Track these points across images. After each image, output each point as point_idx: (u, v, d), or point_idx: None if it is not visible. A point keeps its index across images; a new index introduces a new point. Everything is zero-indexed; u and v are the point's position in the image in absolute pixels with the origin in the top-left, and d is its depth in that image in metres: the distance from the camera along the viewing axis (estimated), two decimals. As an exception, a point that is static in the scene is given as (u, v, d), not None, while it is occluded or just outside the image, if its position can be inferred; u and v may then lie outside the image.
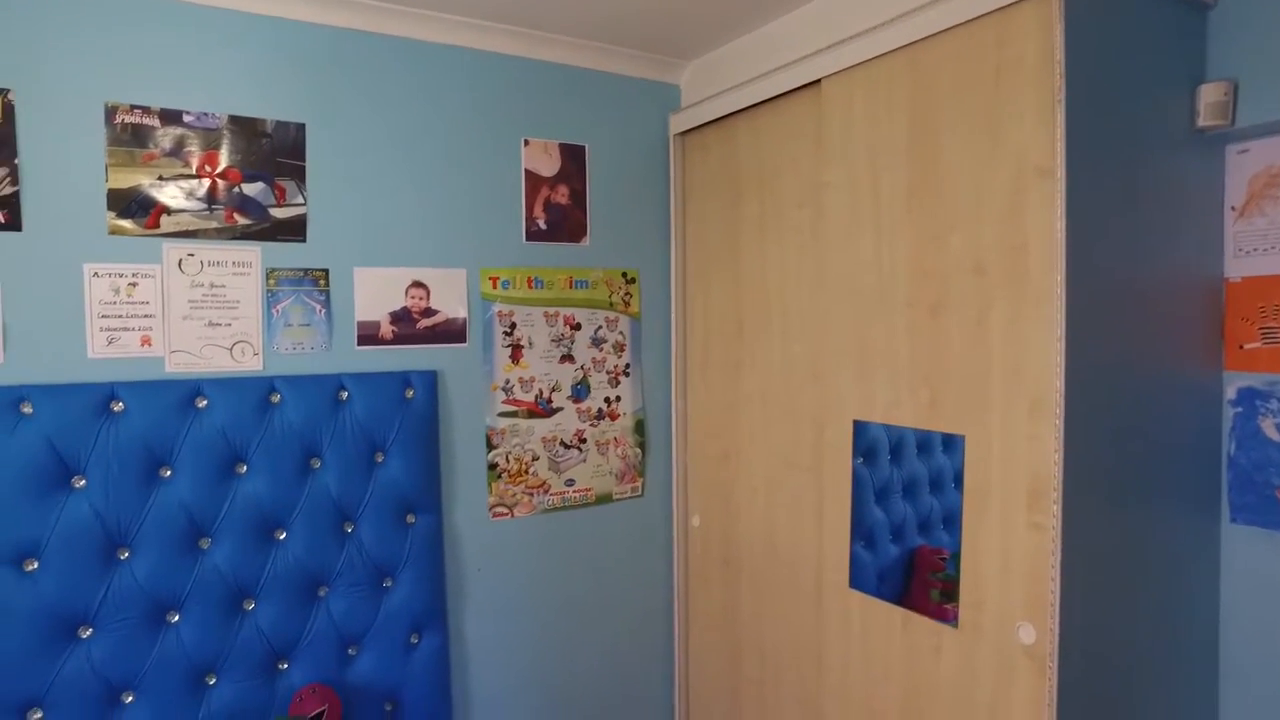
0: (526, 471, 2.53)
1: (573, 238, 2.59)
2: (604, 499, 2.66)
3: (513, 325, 2.49)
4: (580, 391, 2.61)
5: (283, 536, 2.15)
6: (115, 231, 1.98)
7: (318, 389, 2.18)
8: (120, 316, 1.99)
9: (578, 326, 2.60)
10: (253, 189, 2.13)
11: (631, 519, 2.72)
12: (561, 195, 2.56)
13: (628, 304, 2.69)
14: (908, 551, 1.96)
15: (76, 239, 1.95)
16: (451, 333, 2.40)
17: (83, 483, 1.93)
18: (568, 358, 2.58)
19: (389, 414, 2.26)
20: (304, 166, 2.18)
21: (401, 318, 2.32)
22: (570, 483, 2.60)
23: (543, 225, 2.53)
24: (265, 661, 2.13)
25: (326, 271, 2.22)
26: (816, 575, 2.26)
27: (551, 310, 2.55)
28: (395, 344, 2.32)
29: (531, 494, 2.54)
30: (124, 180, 1.99)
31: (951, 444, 1.85)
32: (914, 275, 1.93)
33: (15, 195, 1.89)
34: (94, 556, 1.94)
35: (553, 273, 2.55)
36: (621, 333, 2.68)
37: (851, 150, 2.08)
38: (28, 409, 1.88)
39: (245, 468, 2.10)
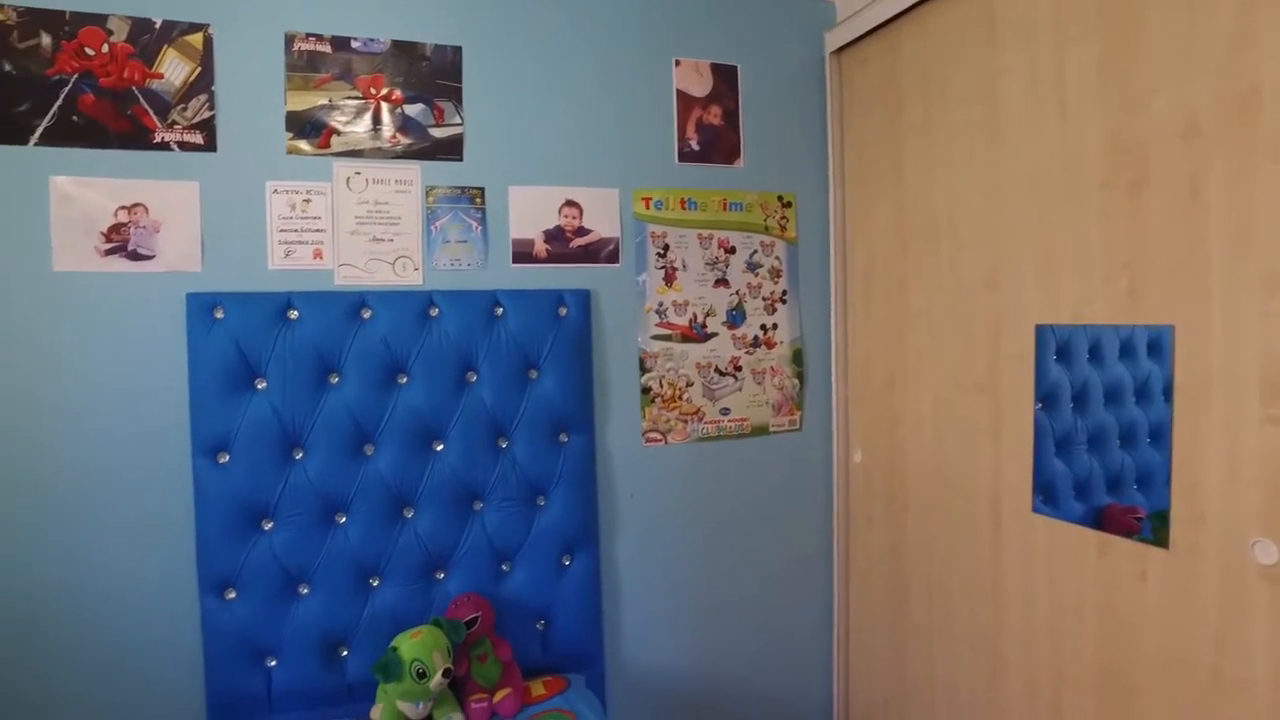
0: (680, 398, 2.47)
1: (726, 159, 2.50)
2: (760, 430, 2.56)
3: (666, 247, 2.44)
4: (735, 318, 2.52)
5: (440, 448, 2.21)
6: (292, 151, 2.11)
7: (474, 304, 2.23)
8: (296, 231, 2.12)
9: (732, 250, 2.51)
10: (413, 110, 2.20)
11: (788, 453, 2.60)
12: (714, 116, 2.49)
13: (784, 229, 2.57)
14: (1106, 466, 1.73)
15: (260, 158, 2.09)
16: (604, 253, 2.38)
17: (263, 384, 2.06)
18: (722, 282, 2.50)
19: (542, 331, 2.28)
20: (460, 88, 2.23)
21: (555, 236, 2.33)
22: (725, 411, 2.52)
23: (695, 146, 2.47)
24: (424, 569, 2.19)
25: (482, 190, 2.26)
26: (993, 502, 2.05)
27: (705, 233, 2.48)
28: (549, 262, 2.33)
29: (685, 421, 2.48)
30: (300, 103, 2.11)
31: (1158, 337, 1.61)
32: (1107, 153, 1.70)
33: (212, 119, 2.05)
34: (273, 454, 2.07)
35: (706, 195, 2.48)
36: (778, 258, 2.57)
37: (1032, 28, 1.87)
38: (220, 314, 2.03)
39: (405, 378, 2.18)
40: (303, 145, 2.12)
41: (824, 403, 2.64)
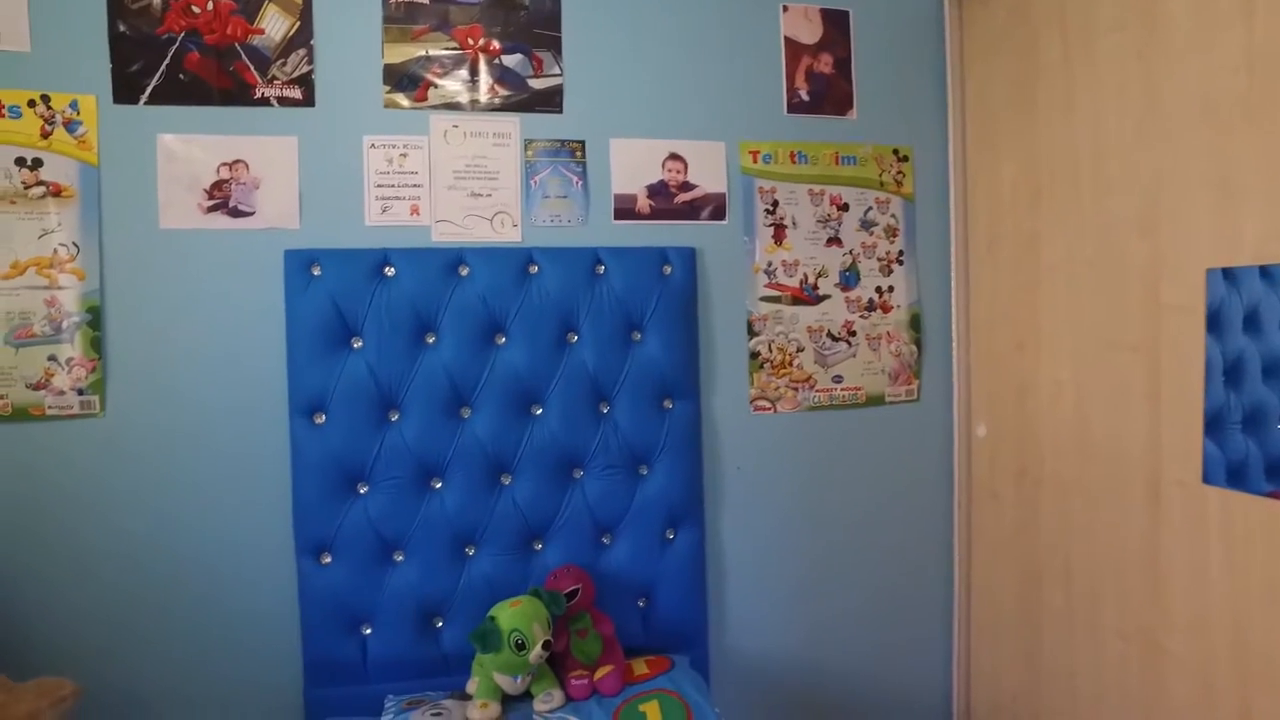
0: (790, 363, 2.31)
1: (838, 110, 2.34)
2: (875, 400, 2.38)
3: (775, 203, 2.29)
4: (849, 279, 2.35)
5: (539, 412, 2.11)
6: (389, 105, 2.06)
7: (574, 262, 2.12)
8: (393, 186, 2.06)
9: (845, 207, 2.34)
10: (511, 61, 2.12)
11: (906, 425, 2.41)
12: (825, 65, 2.33)
13: (900, 184, 2.39)
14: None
15: (357, 113, 2.04)
16: (710, 209, 2.25)
17: (360, 343, 2.01)
18: (835, 241, 2.34)
19: (646, 291, 2.16)
20: (559, 37, 2.14)
21: (658, 191, 2.21)
22: (838, 379, 2.35)
23: (805, 96, 2.31)
24: (521, 539, 2.10)
25: (583, 143, 2.16)
26: (1150, 474, 1.82)
27: (816, 188, 2.32)
28: (652, 219, 2.21)
29: (796, 388, 2.32)
30: (397, 56, 2.05)
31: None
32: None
33: (310, 74, 2.01)
34: (369, 415, 2.01)
35: (817, 148, 2.32)
36: (894, 216, 2.38)
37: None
38: (317, 271, 1.99)
39: (504, 338, 2.09)
40: (400, 99, 2.06)
41: (943, 371, 2.44)
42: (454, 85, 2.09)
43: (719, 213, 2.25)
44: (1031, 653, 2.20)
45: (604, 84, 2.17)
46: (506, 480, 2.10)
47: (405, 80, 2.06)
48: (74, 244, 1.90)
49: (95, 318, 1.91)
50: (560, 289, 2.10)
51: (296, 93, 2.00)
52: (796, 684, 2.34)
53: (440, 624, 2.05)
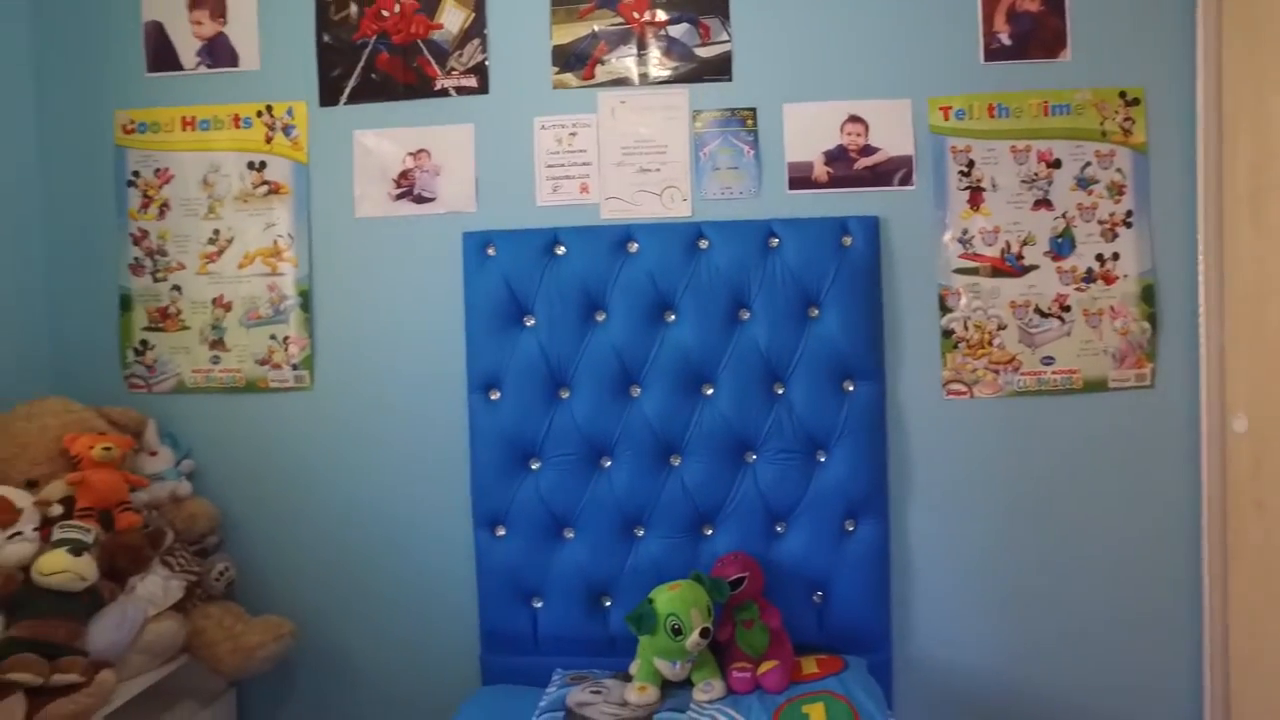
0: (990, 343, 2.06)
1: (1047, 53, 2.05)
2: (1095, 385, 2.05)
3: (970, 163, 2.05)
4: (1062, 246, 2.05)
5: (710, 392, 2.04)
6: (558, 85, 2.09)
7: (746, 235, 2.03)
8: (562, 165, 2.09)
9: (1056, 164, 2.05)
10: (678, 30, 2.07)
11: (1135, 415, 2.05)
12: (1030, 1, 2.05)
13: (1128, 132, 2.05)
14: None
15: (528, 95, 2.09)
16: (895, 173, 2.06)
17: (532, 321, 2.05)
18: (1044, 203, 2.05)
19: (823, 264, 2.01)
20: (727, 2, 2.06)
21: (837, 157, 2.06)
22: (1048, 361, 2.06)
23: (1006, 40, 2.05)
24: (690, 522, 2.04)
25: (754, 110, 2.06)
26: None
27: (1021, 144, 2.05)
28: (830, 187, 2.06)
29: (997, 371, 2.06)
30: (565, 36, 2.08)
31: None
32: None
33: (484, 62, 2.09)
34: (541, 393, 2.04)
35: (1021, 98, 2.05)
36: (1120, 170, 2.05)
37: None
38: (492, 251, 2.06)
39: (673, 315, 2.04)
40: (568, 78, 2.08)
41: (1187, 352, 2.05)
42: (621, 60, 2.08)
43: (905, 177, 2.05)
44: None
45: (775, 46, 2.06)
46: (675, 461, 2.05)
47: (573, 59, 2.08)
48: (289, 235, 2.11)
49: (306, 300, 2.11)
50: (731, 264, 2.02)
51: (472, 81, 2.08)
52: (992, 702, 2.07)
53: (608, 603, 2.04)
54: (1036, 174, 2.05)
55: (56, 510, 1.75)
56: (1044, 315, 2.06)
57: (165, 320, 2.12)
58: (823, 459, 2.03)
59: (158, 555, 1.87)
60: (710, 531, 2.05)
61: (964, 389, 2.07)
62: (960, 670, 2.09)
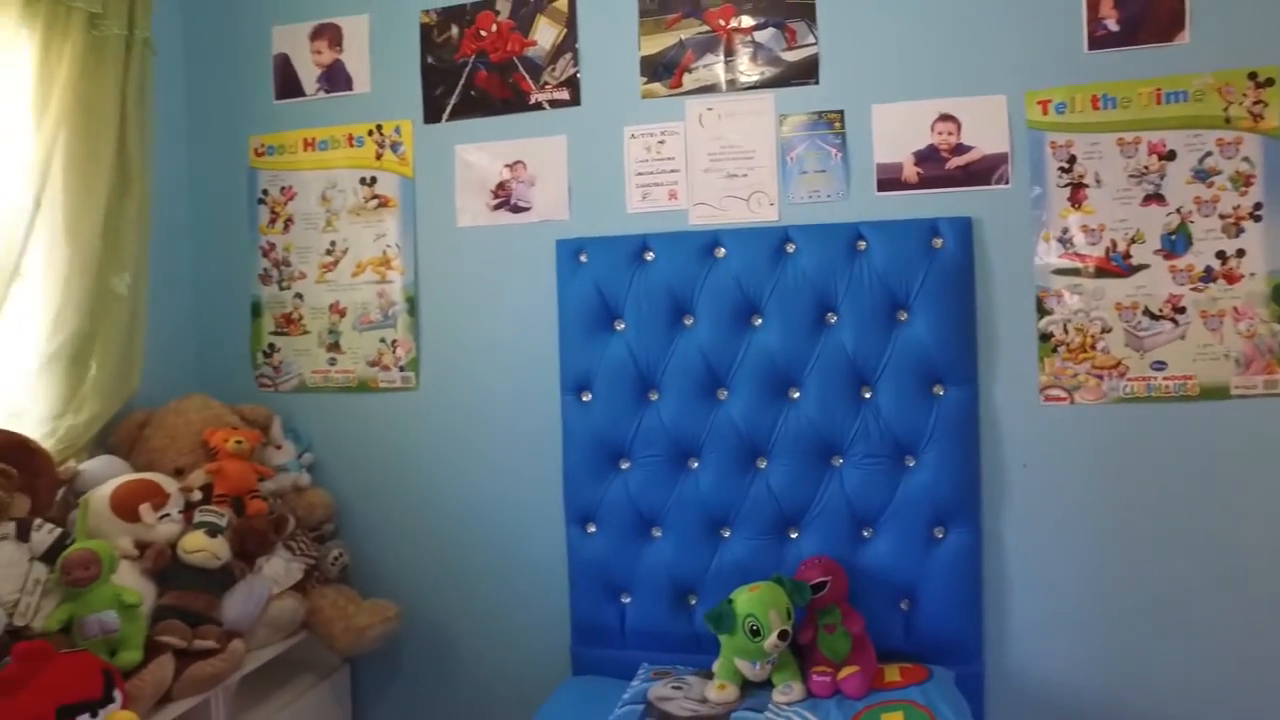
0: (1093, 346, 1.96)
1: (1161, 36, 1.92)
2: (1215, 393, 1.91)
3: (1071, 159, 1.96)
4: (1176, 243, 1.93)
5: (795, 395, 2.05)
6: (647, 95, 2.14)
7: (833, 238, 2.02)
8: (651, 173, 2.14)
9: (1170, 155, 1.92)
10: (763, 36, 2.08)
11: (1261, 426, 1.89)
12: (1143, -17, 1.94)
13: (1259, 117, 1.89)
14: None
15: (618, 105, 2.16)
16: (989, 172, 1.99)
17: (622, 325, 2.11)
18: (1155, 198, 1.93)
19: (912, 266, 1.98)
20: (813, 4, 2.04)
21: (927, 158, 2.02)
22: (1159, 366, 1.94)
23: (1113, 26, 1.94)
24: (776, 525, 2.05)
25: (841, 113, 2.05)
26: None
27: (1129, 136, 1.94)
28: (920, 188, 2.02)
29: (1100, 376, 1.96)
30: (653, 46, 2.13)
31: None
32: None
33: (576, 75, 2.17)
34: (630, 394, 2.11)
35: (1130, 87, 1.93)
36: (1247, 159, 1.90)
37: None
38: (584, 258, 2.13)
39: (759, 319, 2.06)
40: (657, 87, 2.13)
41: (1325, 357, 1.89)
42: (708, 68, 2.10)
43: (1000, 176, 1.98)
44: None
45: (862, 47, 2.03)
46: (761, 464, 2.07)
47: (661, 69, 2.12)
48: (397, 245, 2.26)
49: (412, 306, 2.26)
50: (817, 267, 2.02)
51: (565, 94, 2.17)
52: (1094, 725, 1.98)
53: (694, 601, 2.08)
54: (1146, 167, 1.94)
55: (197, 495, 1.96)
56: (1154, 317, 1.94)
57: (289, 325, 2.32)
58: (911, 464, 2.00)
59: (281, 540, 2.06)
60: (795, 534, 2.05)
61: (1064, 395, 1.98)
62: (1061, 691, 2.00)
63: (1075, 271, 1.97)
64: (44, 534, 1.68)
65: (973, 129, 2.00)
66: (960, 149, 2.00)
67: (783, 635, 1.78)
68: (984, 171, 1.99)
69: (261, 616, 1.91)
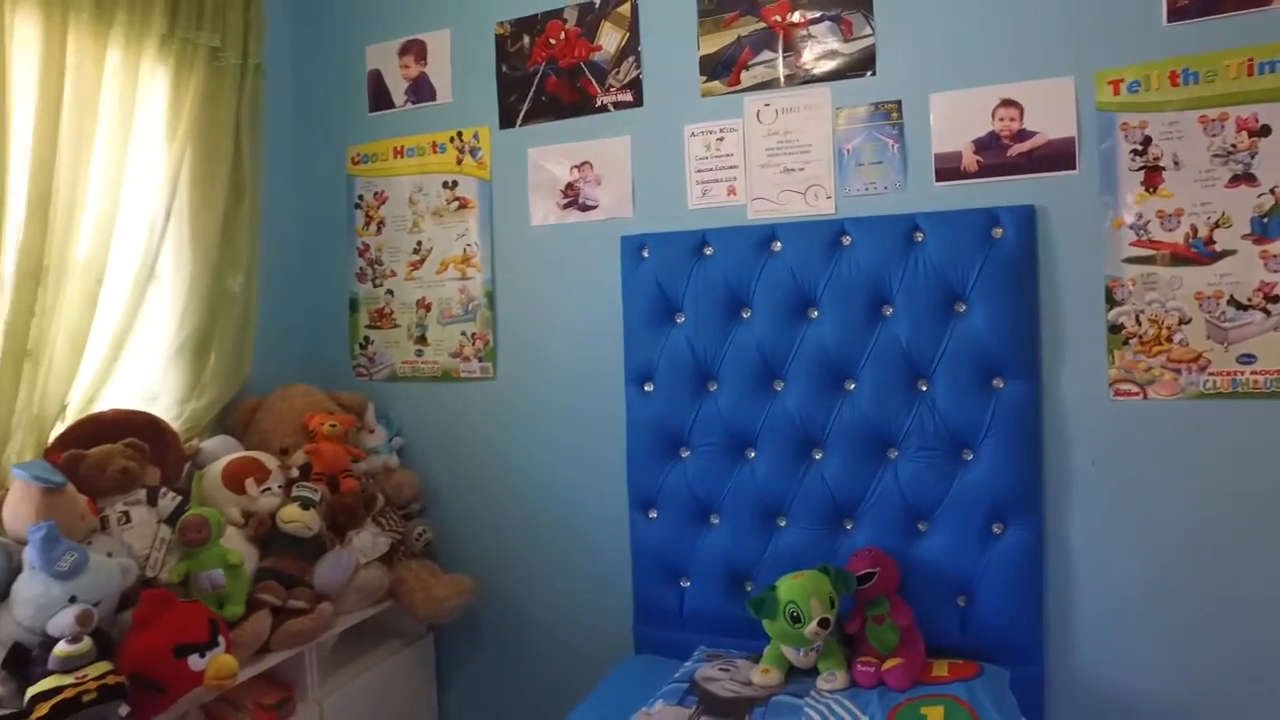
0: (1169, 339, 1.86)
1: (1252, 1, 1.79)
2: (1310, 388, 1.78)
3: (1145, 141, 1.86)
4: (1269, 227, 1.78)
5: (851, 387, 2.05)
6: (706, 94, 2.19)
7: (888, 230, 2.01)
8: (710, 170, 2.19)
9: (1263, 131, 1.78)
10: (819, 29, 2.08)
11: (1368, 425, 1.75)
12: (1233, -53, 1.80)
13: (1363, 88, 1.74)
14: None
15: (678, 105, 2.22)
16: (1054, 158, 1.92)
17: (681, 318, 2.18)
18: (1244, 178, 1.80)
19: (969, 257, 1.94)
20: (871, -4, 2.04)
21: (988, 145, 1.96)
22: (1247, 359, 1.81)
23: (1196, -4, 1.83)
24: (830, 516, 2.07)
25: (899, 103, 2.02)
26: None
27: (1213, 113, 1.81)
28: (980, 177, 1.97)
29: (1177, 370, 1.85)
30: (711, 45, 2.18)
31: None
32: None
33: (638, 77, 2.25)
34: (689, 386, 2.17)
35: (1216, 59, 1.81)
36: (1350, 134, 1.75)
37: None
38: (646, 253, 2.22)
39: (815, 312, 2.07)
40: (715, 85, 2.17)
41: None
42: (765, 64, 2.13)
43: (1066, 161, 1.91)
44: None
45: (920, 36, 2.00)
46: (817, 455, 2.09)
47: (719, 67, 2.17)
48: (476, 243, 2.42)
49: (490, 301, 2.41)
50: (871, 260, 2.01)
51: (628, 96, 2.25)
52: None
53: (750, 588, 2.13)
54: (1235, 145, 1.81)
55: (295, 473, 2.19)
56: (1242, 307, 1.81)
57: (382, 320, 2.54)
58: (968, 458, 1.96)
59: (370, 516, 2.26)
60: (850, 526, 2.06)
61: (1136, 389, 1.88)
62: (1131, 698, 1.91)
63: (1150, 260, 1.87)
64: (168, 500, 1.94)
65: (1036, 114, 1.93)
66: (1023, 135, 1.94)
67: (823, 623, 1.80)
68: (1048, 158, 1.92)
69: (349, 583, 2.12)
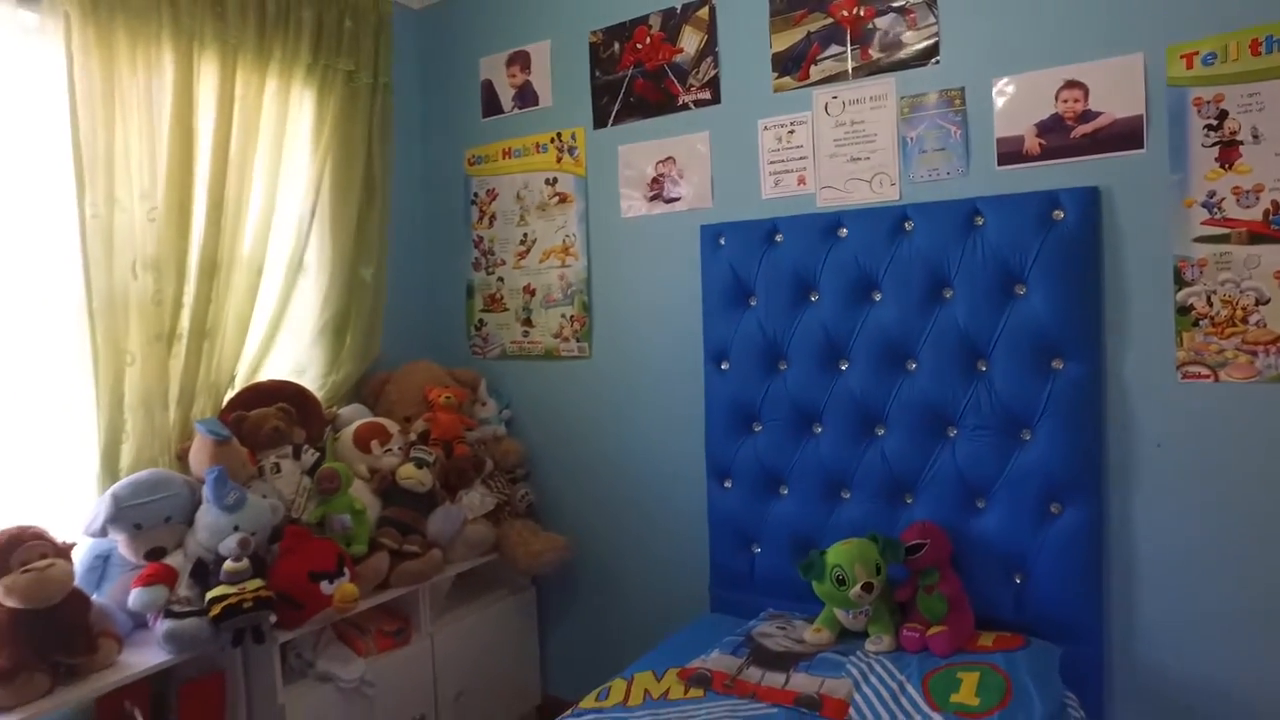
0: (1244, 320, 1.80)
1: (1340, -33, 1.70)
2: (1400, 371, 1.68)
3: (1221, 115, 1.80)
4: (1352, 203, 1.71)
5: (912, 367, 2.12)
6: (778, 89, 2.31)
7: (948, 215, 2.06)
8: (782, 161, 2.31)
9: (1349, 101, 1.70)
10: (884, 22, 2.15)
11: None
12: (1323, -89, 1.71)
13: None
14: None
15: (753, 101, 2.35)
16: (1120, 138, 1.89)
17: (754, 301, 2.32)
18: (1327, 151, 1.72)
19: (1027, 240, 1.96)
20: (937, -16, 2.08)
21: (1051, 128, 1.97)
22: (1328, 341, 1.73)
23: (1279, -37, 1.75)
24: (890, 490, 2.15)
25: (962, 90, 2.06)
26: None
27: (1295, 83, 1.74)
28: (1043, 159, 1.98)
29: (1253, 352, 1.79)
30: (782, 43, 2.29)
31: None
32: None
33: (716, 76, 2.40)
34: (761, 365, 2.31)
35: (1299, 27, 1.73)
36: None
37: None
38: (722, 241, 2.37)
39: (878, 295, 2.15)
40: (787, 81, 2.29)
41: None
42: (833, 58, 2.22)
43: (1133, 140, 1.88)
44: None
45: (984, 21, 2.02)
46: (879, 431, 2.17)
47: (790, 63, 2.27)
48: (573, 234, 2.66)
49: (586, 286, 2.65)
50: (930, 244, 2.07)
51: (707, 94, 2.40)
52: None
53: (814, 556, 2.25)
54: (1320, 116, 1.73)
55: (414, 438, 2.52)
56: (1324, 287, 1.74)
57: (494, 304, 2.84)
58: (1026, 438, 1.99)
59: (479, 478, 2.56)
60: (910, 500, 2.14)
61: (1206, 372, 1.84)
62: (1195, 689, 1.88)
63: (1223, 239, 1.82)
64: (309, 456, 2.32)
65: (1102, 94, 1.91)
66: (1087, 116, 1.92)
67: (867, 587, 1.91)
68: (1114, 138, 1.90)
69: (459, 535, 2.43)
